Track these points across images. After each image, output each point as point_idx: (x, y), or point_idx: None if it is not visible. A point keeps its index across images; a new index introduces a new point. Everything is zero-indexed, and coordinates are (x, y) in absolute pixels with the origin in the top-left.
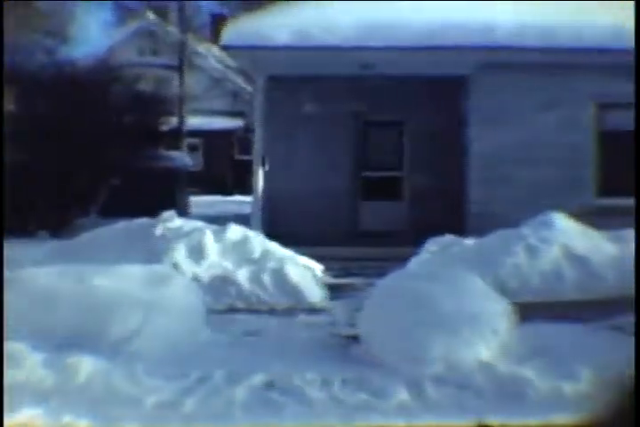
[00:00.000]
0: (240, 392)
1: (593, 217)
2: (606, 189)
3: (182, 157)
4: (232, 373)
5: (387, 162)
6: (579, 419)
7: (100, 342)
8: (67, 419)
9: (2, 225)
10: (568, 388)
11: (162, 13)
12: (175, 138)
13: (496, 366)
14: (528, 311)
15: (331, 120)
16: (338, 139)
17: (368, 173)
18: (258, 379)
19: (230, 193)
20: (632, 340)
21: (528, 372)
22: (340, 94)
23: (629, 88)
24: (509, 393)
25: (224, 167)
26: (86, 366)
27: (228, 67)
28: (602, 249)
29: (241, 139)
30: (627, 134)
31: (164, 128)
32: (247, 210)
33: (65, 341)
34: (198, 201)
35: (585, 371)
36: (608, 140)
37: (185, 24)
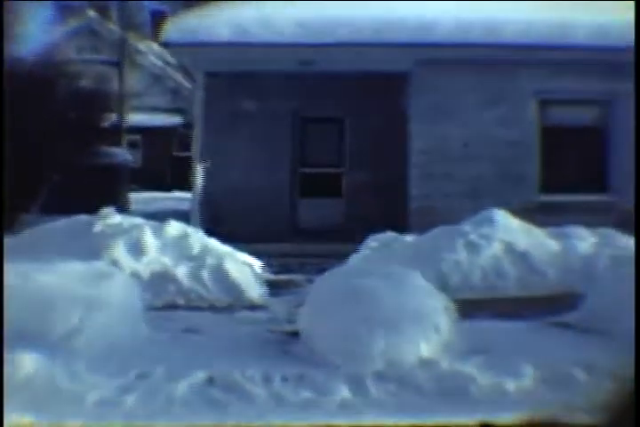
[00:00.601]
0: (181, 389)
1: (535, 213)
2: (549, 186)
3: (122, 154)
4: (172, 370)
5: (326, 158)
6: (583, 418)
7: (41, 340)
8: (11, 417)
9: (1, 223)
10: (510, 385)
11: (103, 11)
12: (115, 135)
13: (437, 363)
14: (470, 308)
15: (270, 117)
16: (277, 135)
17: (307, 170)
18: (198, 376)
19: (170, 190)
20: (574, 336)
21: (470, 369)
22: (279, 91)
23: (572, 84)
24: (451, 390)
25: (164, 164)
26: (28, 363)
27: (167, 64)
28: (543, 246)
29: (181, 135)
30: (569, 131)
31: (105, 125)
32: (187, 207)
33: (6, 338)
34: (138, 198)
35: (527, 368)
36: (551, 136)
37: (125, 22)
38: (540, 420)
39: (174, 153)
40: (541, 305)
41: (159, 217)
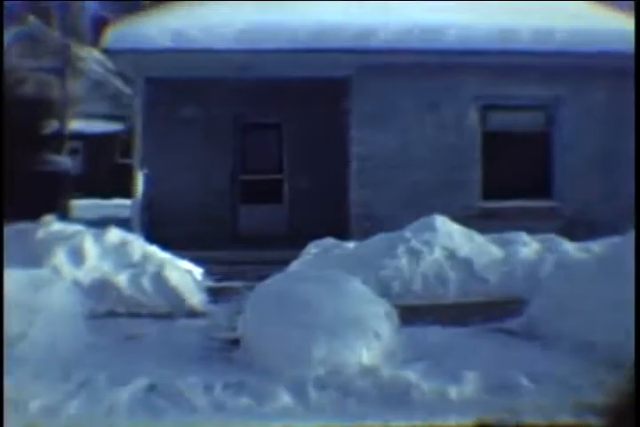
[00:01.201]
0: (122, 396)
1: (477, 219)
2: (491, 192)
3: (64, 161)
4: (114, 376)
5: (267, 164)
6: (582, 420)
7: None
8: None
9: (1, 223)
10: (452, 391)
11: (44, 17)
12: (57, 142)
13: (379, 370)
14: (411, 314)
15: (210, 123)
16: (218, 141)
17: (248, 176)
18: (139, 383)
19: (111, 196)
20: (517, 341)
21: (411, 375)
22: (219, 97)
23: (514, 90)
24: (393, 397)
25: (105, 170)
26: None
27: (108, 70)
28: (485, 252)
29: (122, 142)
30: (512, 136)
31: (47, 132)
32: (128, 213)
33: None
34: (79, 205)
35: (469, 374)
36: (492, 142)
37: (67, 28)
38: (540, 421)
39: (115, 160)
40: (484, 311)
41: (100, 224)
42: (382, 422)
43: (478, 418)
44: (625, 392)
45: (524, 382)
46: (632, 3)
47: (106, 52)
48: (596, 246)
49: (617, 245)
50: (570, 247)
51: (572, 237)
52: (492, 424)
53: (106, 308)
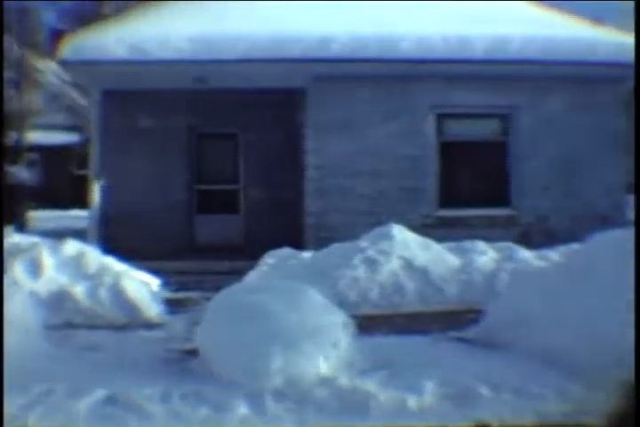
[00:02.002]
0: (81, 407)
1: (435, 228)
2: (448, 200)
3: (21, 172)
4: (73, 388)
5: (222, 175)
6: (583, 420)
7: None
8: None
9: (1, 224)
10: (411, 400)
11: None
12: (15, 153)
13: (337, 380)
14: (369, 324)
15: (166, 134)
16: (173, 152)
17: (204, 187)
18: (98, 394)
19: (69, 208)
20: (475, 350)
21: (370, 385)
22: (175, 108)
23: (471, 99)
24: (351, 406)
25: (62, 182)
26: None
27: (65, 82)
28: (443, 261)
29: (79, 153)
30: (469, 145)
31: (4, 143)
32: (85, 225)
33: None
34: (37, 216)
35: (428, 383)
36: (450, 150)
37: (24, 40)
38: (540, 421)
39: (73, 171)
40: (442, 320)
41: (57, 235)
42: (385, 422)
43: (478, 418)
44: (623, 401)
45: (484, 391)
46: (572, 3)
47: (62, 63)
48: (554, 254)
49: (575, 252)
50: (527, 255)
51: (530, 245)
52: (491, 424)
53: (63, 319)
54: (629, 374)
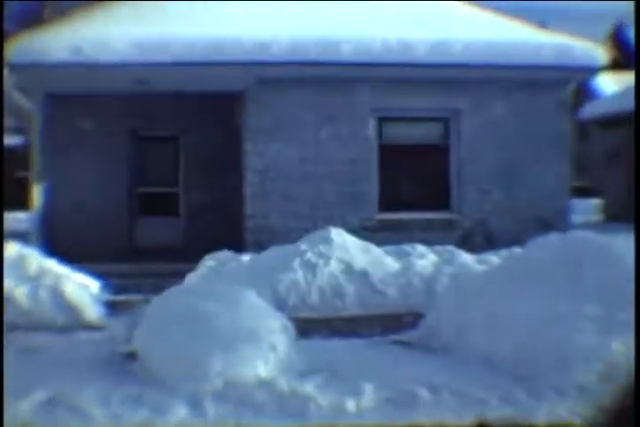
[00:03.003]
0: (21, 408)
1: (375, 232)
2: (389, 204)
3: None
4: (13, 389)
5: (163, 177)
6: (583, 419)
7: None
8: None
9: (1, 221)
10: (350, 404)
11: None
12: None
13: (276, 383)
14: (308, 327)
15: (108, 136)
16: (115, 155)
17: (145, 189)
18: (38, 395)
19: (10, 210)
20: (415, 354)
21: (309, 388)
22: (116, 110)
23: (411, 102)
24: (290, 409)
25: (5, 184)
26: None
27: (10, 84)
28: (382, 264)
29: (21, 155)
30: (410, 148)
31: None
32: (27, 227)
33: None
34: None
35: (368, 386)
36: (390, 154)
37: None
38: (540, 421)
39: (15, 173)
40: (381, 324)
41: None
42: (380, 421)
43: (478, 418)
44: (622, 400)
45: (424, 393)
46: (499, 3)
47: (7, 66)
48: (495, 258)
49: (515, 256)
50: (468, 259)
51: (471, 248)
52: (491, 424)
53: (5, 321)
54: (573, 378)
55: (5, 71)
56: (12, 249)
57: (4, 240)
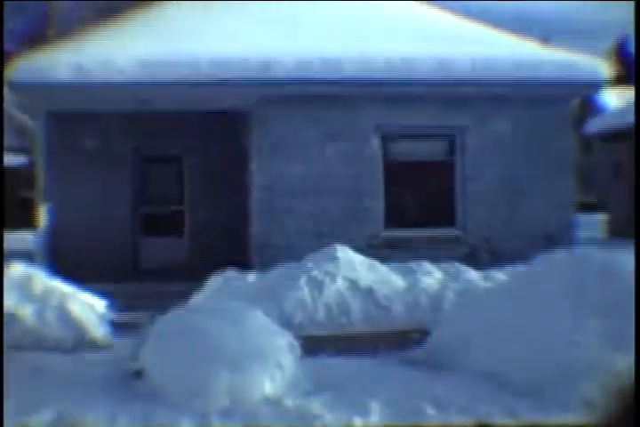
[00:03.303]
0: None
1: (381, 249)
2: (394, 221)
3: None
4: (20, 408)
5: (167, 196)
6: (583, 419)
7: None
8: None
9: (2, 225)
10: (358, 422)
11: None
12: None
13: (282, 401)
14: (315, 345)
15: (112, 155)
16: (119, 174)
17: (149, 208)
18: (45, 414)
19: (16, 229)
20: (421, 371)
21: (315, 406)
22: (120, 130)
23: (416, 119)
24: None
25: (9, 204)
26: None
27: (13, 103)
28: (388, 281)
29: (26, 175)
30: (415, 165)
31: None
32: (32, 247)
33: None
34: None
35: (374, 404)
36: (396, 171)
37: None
38: (539, 421)
39: (20, 192)
40: (388, 341)
41: (4, 257)
42: (382, 422)
43: (478, 418)
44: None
45: (430, 411)
46: (462, 3)
47: (9, 85)
48: (500, 275)
49: (520, 273)
50: (473, 276)
51: (477, 264)
52: (491, 424)
53: (11, 341)
54: (578, 393)
55: (6, 90)
56: (17, 269)
57: (7, 259)
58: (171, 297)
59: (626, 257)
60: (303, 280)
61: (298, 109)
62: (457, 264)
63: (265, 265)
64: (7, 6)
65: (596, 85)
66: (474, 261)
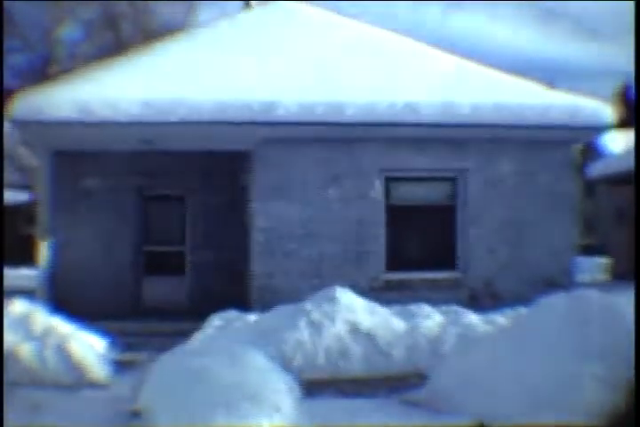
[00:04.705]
0: None
1: (381, 291)
2: (394, 263)
3: None
4: None
5: (169, 236)
6: (583, 421)
7: None
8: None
9: (2, 232)
10: None
11: None
12: None
13: None
14: (314, 387)
15: (113, 195)
16: (121, 213)
17: (151, 248)
18: None
19: (17, 267)
20: (420, 414)
21: None
22: (122, 169)
23: (418, 162)
24: None
25: (10, 241)
26: None
27: (16, 140)
28: (388, 325)
29: (28, 212)
30: (416, 208)
31: None
32: (33, 284)
33: None
34: None
35: None
36: (397, 214)
37: None
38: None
39: (21, 230)
40: (387, 385)
41: (5, 295)
42: (382, 422)
43: (478, 418)
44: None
45: None
46: (465, 46)
47: (12, 122)
48: (501, 318)
49: (520, 317)
50: (474, 319)
51: (477, 308)
52: (491, 424)
53: (10, 379)
54: None
55: (9, 127)
56: (18, 306)
57: (8, 296)
58: (171, 336)
59: (626, 301)
60: (303, 322)
61: (300, 151)
62: (457, 308)
63: (265, 306)
64: (10, 42)
65: (600, 129)
66: (474, 303)
